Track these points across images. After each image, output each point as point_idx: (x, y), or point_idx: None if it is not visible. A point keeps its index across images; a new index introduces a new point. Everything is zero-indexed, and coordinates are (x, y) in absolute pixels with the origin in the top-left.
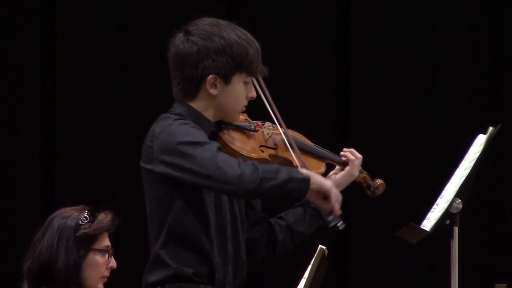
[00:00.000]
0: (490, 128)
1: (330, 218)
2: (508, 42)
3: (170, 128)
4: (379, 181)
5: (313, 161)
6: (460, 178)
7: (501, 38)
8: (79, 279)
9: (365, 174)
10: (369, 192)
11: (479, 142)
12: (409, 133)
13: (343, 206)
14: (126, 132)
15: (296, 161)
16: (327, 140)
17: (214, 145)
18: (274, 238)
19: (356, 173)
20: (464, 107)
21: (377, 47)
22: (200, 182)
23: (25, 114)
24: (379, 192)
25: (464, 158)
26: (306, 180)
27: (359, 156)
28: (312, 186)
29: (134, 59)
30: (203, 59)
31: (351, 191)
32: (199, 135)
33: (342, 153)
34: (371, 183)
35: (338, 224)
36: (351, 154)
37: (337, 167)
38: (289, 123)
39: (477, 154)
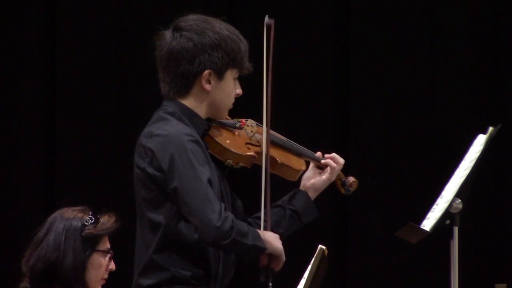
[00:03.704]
0: (490, 128)
1: (265, 275)
2: (508, 41)
3: (173, 138)
4: (351, 179)
5: (294, 159)
6: (460, 178)
7: (501, 37)
8: (84, 279)
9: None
10: (343, 190)
11: (479, 142)
12: (409, 133)
13: (343, 207)
14: (126, 132)
15: (278, 159)
16: (327, 140)
17: (206, 175)
18: None
19: (334, 178)
20: (464, 107)
21: (377, 47)
22: (177, 203)
23: (25, 114)
24: (352, 189)
25: (464, 158)
26: (263, 250)
27: (342, 162)
28: (267, 251)
29: (134, 59)
30: (199, 54)
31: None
32: (199, 157)
33: (323, 161)
34: (346, 181)
35: (268, 285)
36: (332, 162)
37: (312, 164)
38: (289, 123)
39: (477, 154)
